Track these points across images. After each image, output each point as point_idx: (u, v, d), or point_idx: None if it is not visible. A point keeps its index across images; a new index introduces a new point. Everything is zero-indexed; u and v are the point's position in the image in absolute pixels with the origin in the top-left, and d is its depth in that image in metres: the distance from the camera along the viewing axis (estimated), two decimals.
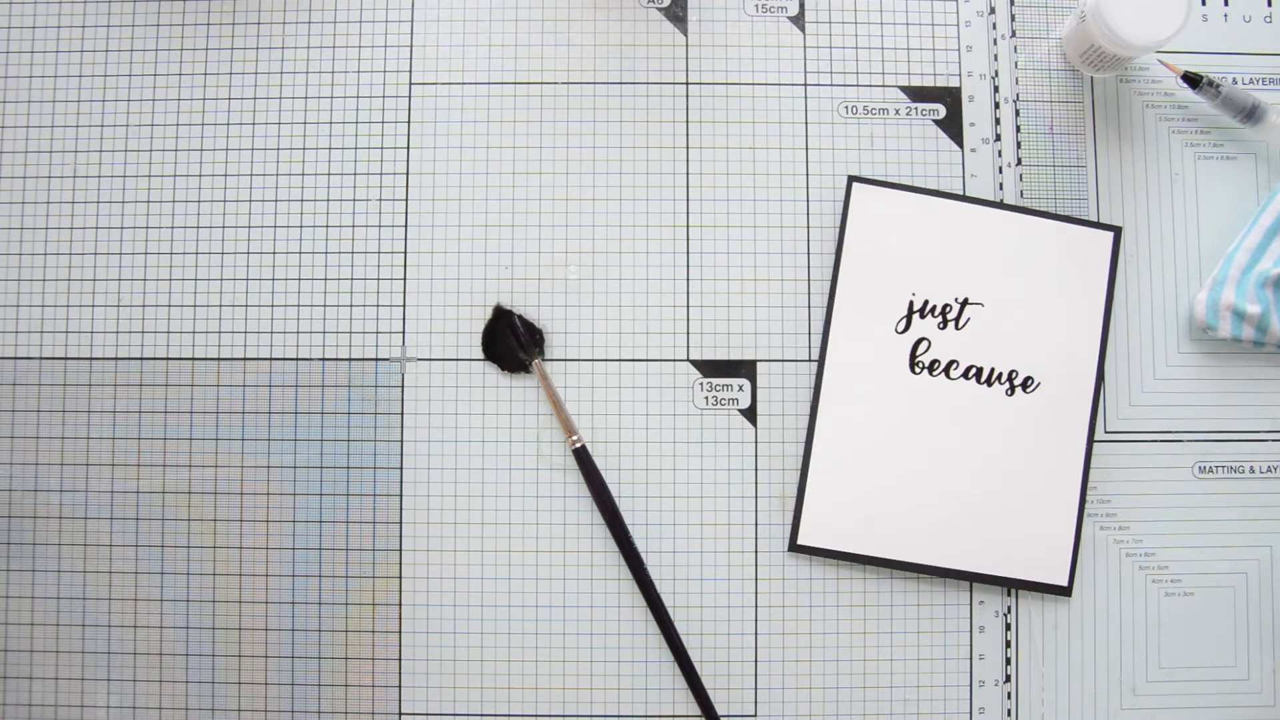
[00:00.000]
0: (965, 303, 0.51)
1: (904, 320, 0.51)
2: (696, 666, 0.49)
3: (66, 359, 0.51)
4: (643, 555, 0.50)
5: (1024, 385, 0.50)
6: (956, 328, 0.51)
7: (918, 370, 0.51)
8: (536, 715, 0.50)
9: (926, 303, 0.51)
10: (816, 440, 0.50)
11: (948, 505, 0.50)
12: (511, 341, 0.51)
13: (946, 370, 0.51)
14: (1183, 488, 0.51)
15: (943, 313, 0.51)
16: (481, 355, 0.51)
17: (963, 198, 0.52)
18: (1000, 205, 0.52)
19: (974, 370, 0.51)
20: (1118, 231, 0.51)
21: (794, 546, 0.50)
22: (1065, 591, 0.50)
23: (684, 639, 0.50)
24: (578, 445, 0.49)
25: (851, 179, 0.51)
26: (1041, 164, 0.52)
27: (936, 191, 0.52)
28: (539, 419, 0.51)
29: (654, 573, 0.50)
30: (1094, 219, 0.52)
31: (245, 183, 0.52)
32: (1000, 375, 0.51)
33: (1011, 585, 0.50)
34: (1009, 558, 0.50)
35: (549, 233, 0.52)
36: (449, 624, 0.50)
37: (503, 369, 0.51)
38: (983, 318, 0.51)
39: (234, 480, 0.51)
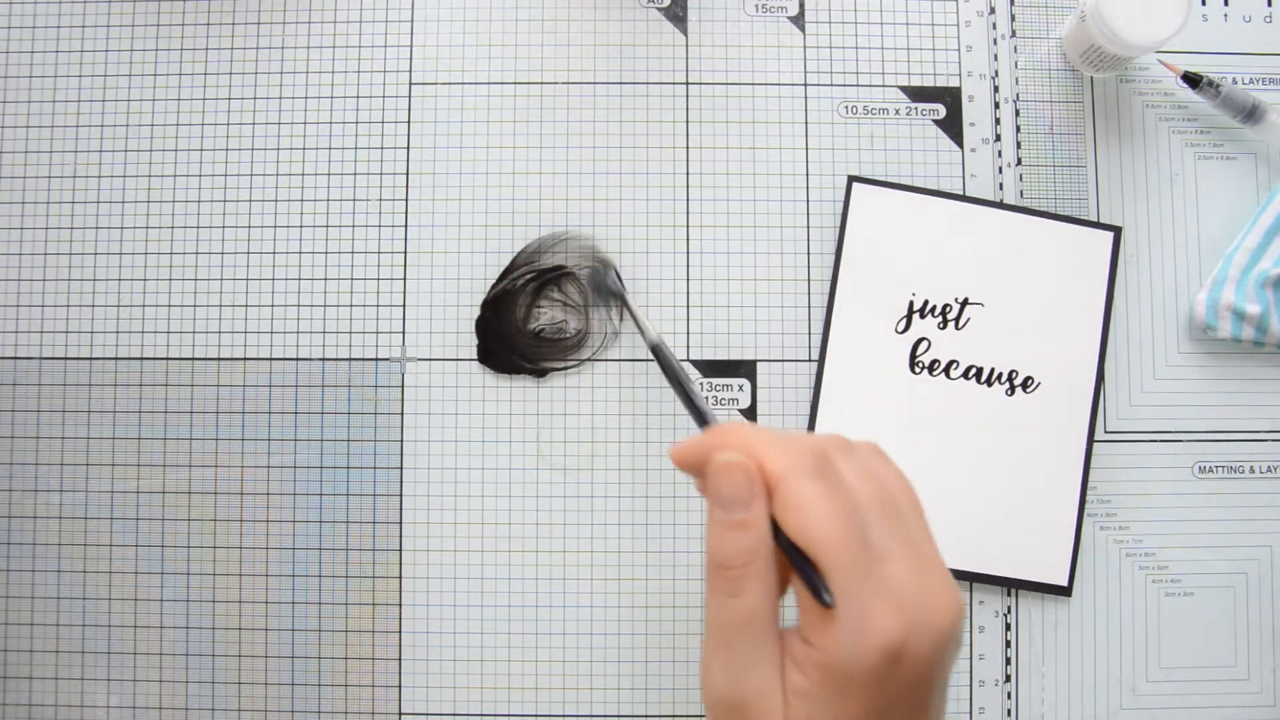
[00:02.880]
0: (965, 303, 0.51)
1: (904, 320, 0.51)
2: (697, 666, 0.49)
3: (66, 359, 0.51)
4: (643, 555, 0.50)
5: (1024, 385, 0.50)
6: (956, 328, 0.51)
7: (918, 370, 0.51)
8: (536, 715, 0.50)
9: (926, 303, 0.51)
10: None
11: (947, 505, 0.50)
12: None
13: (946, 370, 0.51)
14: (1183, 488, 0.51)
15: (943, 313, 0.51)
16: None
17: (963, 198, 0.52)
18: (1000, 205, 0.52)
19: (974, 370, 0.51)
20: (1118, 231, 0.51)
21: None
22: (1065, 591, 0.50)
23: (684, 639, 0.50)
24: (655, 341, 0.46)
25: (852, 179, 0.51)
26: (1041, 164, 0.52)
27: (937, 191, 0.52)
28: (539, 419, 0.51)
29: (654, 572, 0.50)
30: (1094, 219, 0.52)
31: (245, 183, 0.52)
32: (1000, 375, 0.51)
33: (1011, 585, 0.50)
34: (1009, 558, 0.50)
35: (549, 232, 0.52)
36: (449, 624, 0.50)
37: (498, 372, 0.51)
38: (983, 318, 0.51)
39: (234, 480, 0.51)
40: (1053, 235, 0.51)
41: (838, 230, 0.51)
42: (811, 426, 0.50)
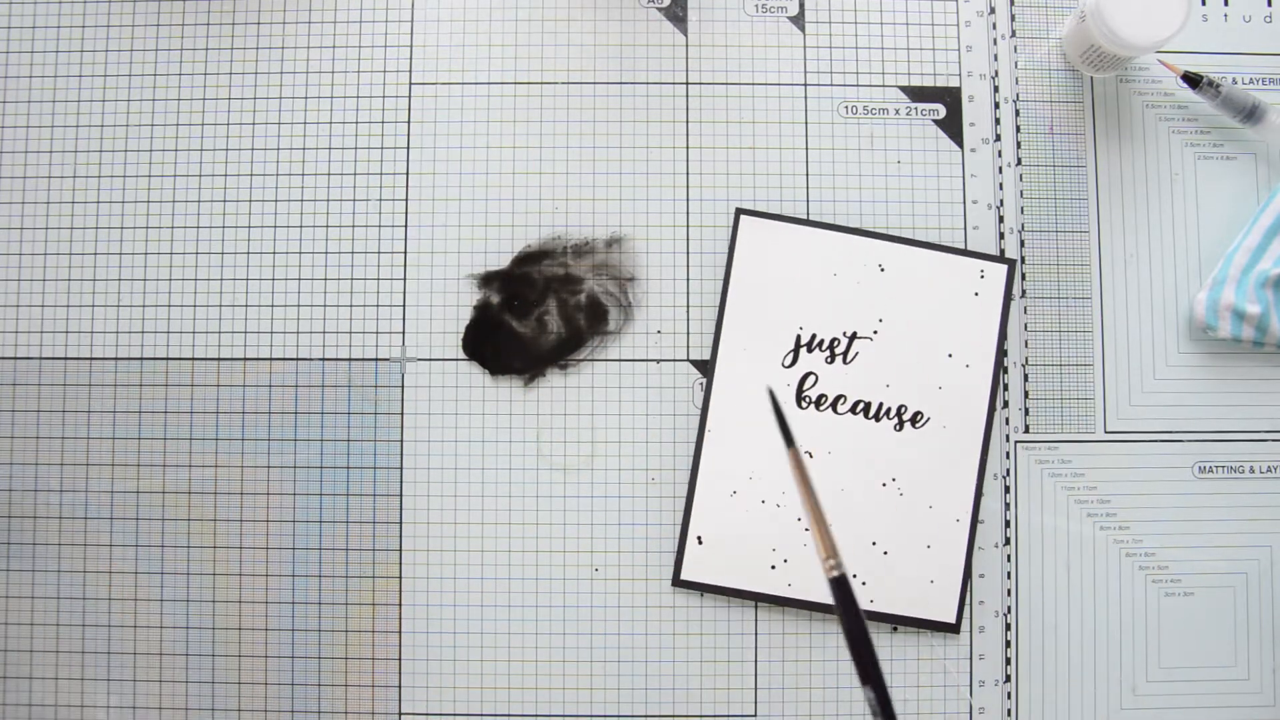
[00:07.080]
0: (854, 337, 0.50)
1: (791, 354, 0.50)
2: (697, 666, 0.50)
3: (66, 359, 0.51)
4: (643, 555, 0.50)
5: (913, 420, 0.50)
6: (844, 362, 0.50)
7: (805, 405, 0.50)
8: (536, 715, 0.50)
9: (814, 336, 0.50)
10: (701, 476, 0.49)
11: (835, 541, 0.49)
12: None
13: (834, 405, 0.50)
14: (1183, 488, 0.51)
15: (830, 347, 0.50)
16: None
17: (853, 230, 0.51)
18: (890, 238, 0.51)
19: (862, 405, 0.50)
20: (1012, 264, 0.50)
21: (676, 582, 0.49)
22: (954, 629, 0.49)
23: (684, 639, 0.50)
24: (836, 573, 0.38)
25: (740, 211, 0.51)
26: (1041, 164, 0.52)
27: (826, 224, 0.51)
28: (539, 419, 0.51)
29: (654, 572, 0.50)
30: (1094, 219, 0.52)
31: (245, 183, 0.52)
32: (889, 410, 0.50)
33: (898, 622, 0.49)
34: (897, 594, 0.49)
35: (549, 233, 0.52)
36: (449, 624, 0.50)
37: (491, 372, 0.51)
38: (871, 352, 0.50)
39: (234, 480, 0.51)
40: (945, 267, 0.50)
41: (725, 262, 0.51)
42: (696, 460, 0.50)
